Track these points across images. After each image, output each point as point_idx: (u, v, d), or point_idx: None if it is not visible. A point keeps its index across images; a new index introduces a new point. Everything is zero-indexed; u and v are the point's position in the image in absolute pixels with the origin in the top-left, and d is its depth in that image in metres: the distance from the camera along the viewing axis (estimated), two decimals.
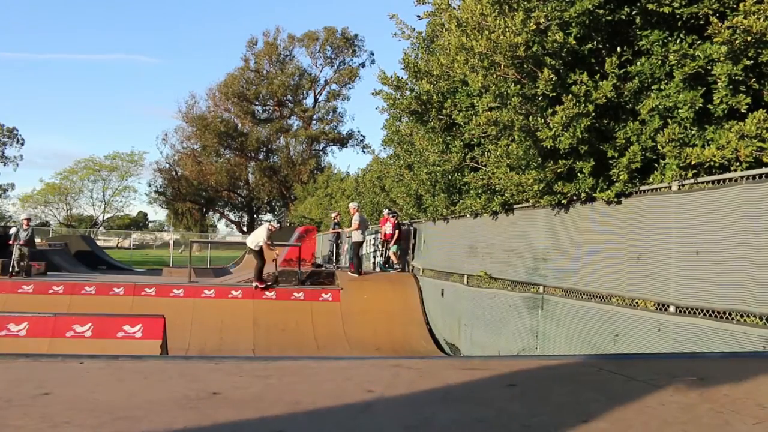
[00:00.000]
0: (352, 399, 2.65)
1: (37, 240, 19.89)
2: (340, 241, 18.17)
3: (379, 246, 16.53)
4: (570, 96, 6.67)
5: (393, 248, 15.28)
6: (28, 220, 16.65)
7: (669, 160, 6.21)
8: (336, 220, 17.86)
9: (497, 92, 7.51)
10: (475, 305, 10.72)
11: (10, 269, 14.96)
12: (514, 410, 2.53)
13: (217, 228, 71.49)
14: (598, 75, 6.91)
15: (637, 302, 6.63)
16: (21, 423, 2.13)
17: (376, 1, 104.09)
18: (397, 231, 14.99)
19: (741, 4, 5.33)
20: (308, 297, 13.40)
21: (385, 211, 15.62)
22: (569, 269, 7.85)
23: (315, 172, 51.91)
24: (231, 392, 2.64)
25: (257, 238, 13.37)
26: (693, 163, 5.89)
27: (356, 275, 14.34)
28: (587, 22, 6.79)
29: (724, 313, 5.46)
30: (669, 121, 6.35)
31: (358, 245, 14.71)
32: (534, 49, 6.88)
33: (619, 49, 6.70)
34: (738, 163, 5.59)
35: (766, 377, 3.51)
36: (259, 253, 13.21)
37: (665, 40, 6.30)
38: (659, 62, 6.38)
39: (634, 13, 6.53)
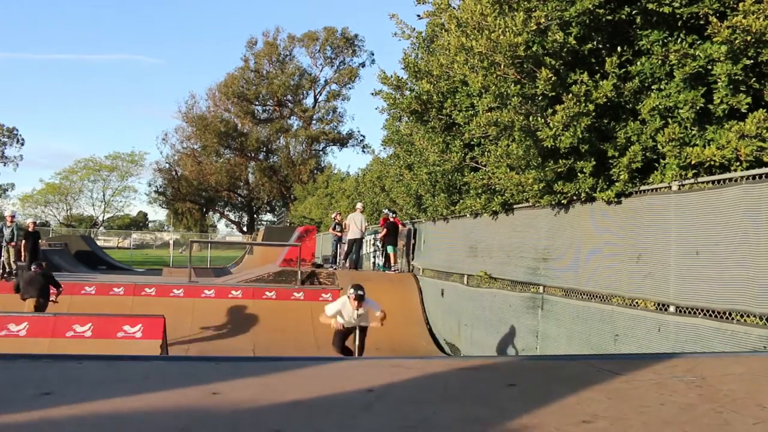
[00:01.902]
0: (352, 399, 2.65)
1: None
2: (341, 242, 18.22)
3: (379, 246, 16.53)
4: (570, 95, 6.67)
5: (389, 249, 15.28)
6: (12, 216, 15.56)
7: (669, 159, 6.21)
8: (337, 221, 17.82)
9: (497, 92, 7.51)
10: (475, 305, 10.72)
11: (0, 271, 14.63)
12: (514, 410, 2.52)
13: (217, 228, 71.61)
14: (599, 75, 6.91)
15: (637, 302, 6.63)
16: (21, 423, 2.13)
17: (376, 1, 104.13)
18: (385, 229, 15.00)
19: (740, 4, 5.32)
20: (308, 297, 13.39)
21: (384, 211, 15.72)
22: (569, 269, 7.85)
23: (315, 172, 51.86)
24: (231, 392, 2.64)
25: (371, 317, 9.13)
26: (693, 162, 5.89)
27: (350, 270, 14.47)
28: (587, 21, 6.79)
29: (724, 313, 5.46)
30: (669, 120, 6.35)
31: (353, 242, 15.65)
32: (534, 49, 6.88)
33: (619, 48, 6.70)
34: (738, 163, 5.59)
35: (766, 377, 3.51)
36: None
37: (665, 40, 6.29)
38: (659, 62, 6.38)
39: (634, 12, 6.52)
